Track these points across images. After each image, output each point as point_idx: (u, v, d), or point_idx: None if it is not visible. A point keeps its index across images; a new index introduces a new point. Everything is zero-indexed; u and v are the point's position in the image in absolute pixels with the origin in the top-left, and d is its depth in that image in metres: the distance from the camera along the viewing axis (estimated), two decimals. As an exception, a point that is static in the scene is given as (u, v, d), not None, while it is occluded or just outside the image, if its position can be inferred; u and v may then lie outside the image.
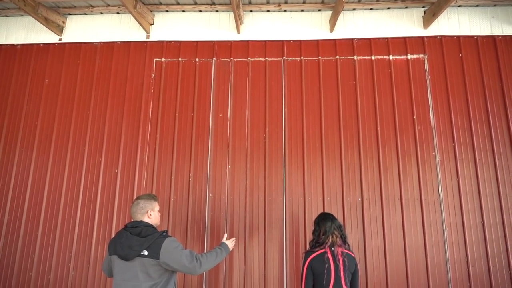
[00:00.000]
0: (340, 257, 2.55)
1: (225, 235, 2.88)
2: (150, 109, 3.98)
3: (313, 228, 2.79)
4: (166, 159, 3.84)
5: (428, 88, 3.88)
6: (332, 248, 2.59)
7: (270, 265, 3.53)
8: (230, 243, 2.75)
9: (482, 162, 3.69)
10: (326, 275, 2.49)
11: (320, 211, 3.51)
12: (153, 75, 4.07)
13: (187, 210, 3.70)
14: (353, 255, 2.67)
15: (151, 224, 2.41)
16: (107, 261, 2.46)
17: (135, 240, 2.26)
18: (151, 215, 2.46)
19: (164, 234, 2.35)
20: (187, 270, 2.30)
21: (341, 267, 2.53)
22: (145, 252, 2.24)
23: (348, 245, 2.73)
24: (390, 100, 3.87)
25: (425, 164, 3.71)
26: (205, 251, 3.55)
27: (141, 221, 2.39)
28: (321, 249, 2.59)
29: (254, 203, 3.68)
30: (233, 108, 3.93)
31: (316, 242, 2.68)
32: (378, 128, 3.80)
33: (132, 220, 2.43)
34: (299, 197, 3.67)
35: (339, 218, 3.48)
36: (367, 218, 3.61)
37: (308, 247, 2.81)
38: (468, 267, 3.48)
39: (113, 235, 3.61)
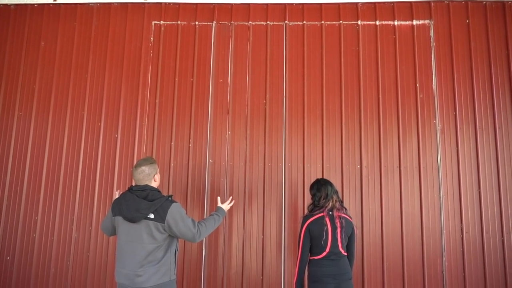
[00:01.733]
0: (337, 220, 2.61)
1: (219, 199, 2.95)
2: (149, 74, 3.92)
3: (311, 193, 2.83)
4: (165, 124, 3.82)
5: (432, 55, 3.81)
6: (330, 212, 2.64)
7: (268, 229, 3.61)
8: (226, 206, 2.83)
9: (483, 131, 3.69)
10: (324, 237, 2.55)
11: (319, 177, 3.53)
12: (151, 38, 3.98)
13: (187, 175, 3.73)
14: (350, 219, 2.73)
15: (156, 188, 2.45)
16: (110, 220, 2.50)
17: (142, 203, 2.29)
18: (156, 179, 2.50)
19: (170, 198, 2.39)
20: (186, 238, 2.37)
21: (339, 230, 2.60)
22: (152, 215, 2.29)
23: (346, 209, 2.79)
24: (393, 67, 3.81)
25: (425, 133, 3.70)
26: (204, 217, 3.62)
27: (147, 184, 2.42)
28: (320, 213, 2.65)
29: (253, 169, 3.71)
30: (233, 73, 3.87)
31: (316, 206, 2.73)
32: (380, 96, 3.76)
33: (136, 184, 2.45)
34: (298, 164, 3.70)
35: (338, 185, 3.53)
36: (365, 185, 3.65)
37: (306, 212, 2.87)
38: (462, 233, 3.56)
39: (113, 197, 3.66)
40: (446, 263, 3.52)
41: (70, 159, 3.83)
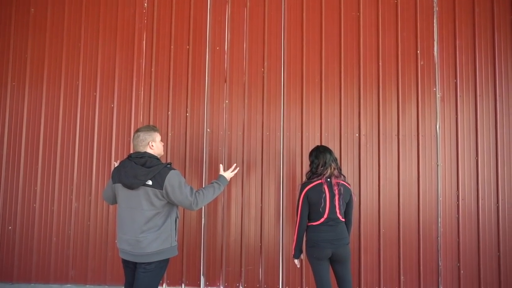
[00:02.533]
0: (335, 187, 2.61)
1: (221, 166, 2.92)
2: (144, 42, 3.82)
3: (310, 160, 2.82)
4: (162, 93, 3.77)
5: (435, 21, 3.71)
6: (328, 179, 2.64)
7: (267, 197, 3.64)
8: (229, 174, 2.80)
9: (483, 99, 3.66)
10: (322, 204, 2.56)
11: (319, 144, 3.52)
12: (145, 4, 3.84)
13: (185, 145, 3.72)
14: (348, 186, 2.73)
15: (155, 155, 2.43)
16: (110, 188, 2.51)
17: (140, 170, 2.29)
18: (153, 146, 2.46)
19: (168, 166, 2.38)
20: (183, 206, 2.37)
21: (337, 197, 2.60)
22: (150, 182, 2.29)
23: (344, 176, 2.79)
24: (394, 33, 3.71)
25: (424, 100, 3.67)
26: (203, 186, 3.64)
27: (145, 152, 2.40)
28: (318, 180, 2.64)
29: (252, 138, 3.70)
30: (230, 40, 3.77)
31: (314, 174, 2.72)
32: (380, 63, 3.69)
33: (134, 150, 2.44)
34: (296, 132, 3.68)
35: (336, 154, 3.52)
36: (363, 153, 3.65)
37: (304, 179, 2.87)
38: (458, 200, 3.60)
39: (112, 168, 3.66)
40: (441, 229, 3.58)
41: (66, 130, 3.80)
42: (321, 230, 2.60)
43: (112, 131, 3.76)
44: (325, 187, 2.60)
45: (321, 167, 2.68)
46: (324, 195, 2.58)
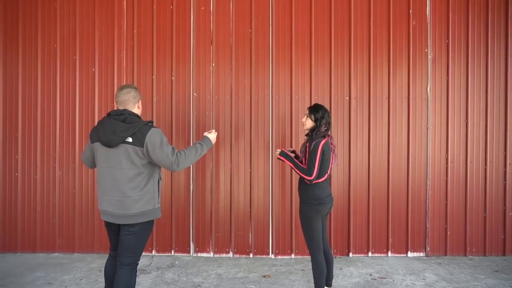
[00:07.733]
0: (334, 144, 2.67)
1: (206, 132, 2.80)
2: (124, 1, 3.61)
3: (316, 117, 2.68)
4: (145, 56, 3.61)
5: (428, -22, 3.59)
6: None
7: (256, 163, 3.59)
8: (213, 135, 2.68)
9: (474, 60, 3.60)
10: (332, 160, 2.60)
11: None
12: (124, -40, 3.62)
13: (171, 110, 3.60)
14: None
15: (135, 113, 2.31)
16: (89, 150, 2.40)
17: (119, 125, 2.16)
18: (140, 106, 2.36)
19: (150, 123, 2.27)
20: (164, 166, 2.26)
21: (335, 153, 2.66)
22: (130, 139, 2.17)
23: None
24: (386, -8, 3.59)
25: (416, 62, 3.60)
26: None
27: (125, 109, 2.28)
28: (325, 137, 2.63)
29: (240, 102, 3.60)
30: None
31: (319, 131, 2.65)
32: (371, 23, 3.58)
33: (116, 109, 2.32)
34: (286, 96, 3.59)
35: (326, 118, 3.46)
36: (353, 117, 3.60)
37: (306, 136, 2.75)
38: (447, 162, 3.61)
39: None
40: (430, 192, 3.60)
41: (46, 95, 3.64)
42: (325, 187, 2.64)
43: (95, 97, 3.61)
44: (330, 144, 2.63)
45: (324, 127, 2.64)
46: (332, 151, 2.61)
